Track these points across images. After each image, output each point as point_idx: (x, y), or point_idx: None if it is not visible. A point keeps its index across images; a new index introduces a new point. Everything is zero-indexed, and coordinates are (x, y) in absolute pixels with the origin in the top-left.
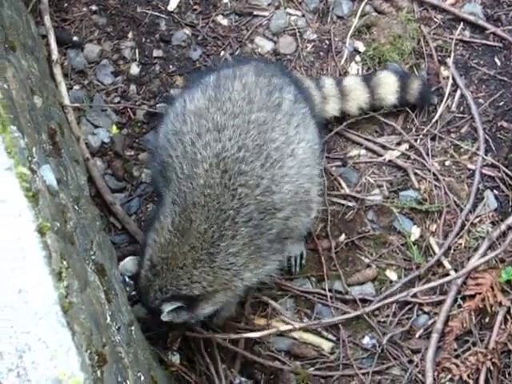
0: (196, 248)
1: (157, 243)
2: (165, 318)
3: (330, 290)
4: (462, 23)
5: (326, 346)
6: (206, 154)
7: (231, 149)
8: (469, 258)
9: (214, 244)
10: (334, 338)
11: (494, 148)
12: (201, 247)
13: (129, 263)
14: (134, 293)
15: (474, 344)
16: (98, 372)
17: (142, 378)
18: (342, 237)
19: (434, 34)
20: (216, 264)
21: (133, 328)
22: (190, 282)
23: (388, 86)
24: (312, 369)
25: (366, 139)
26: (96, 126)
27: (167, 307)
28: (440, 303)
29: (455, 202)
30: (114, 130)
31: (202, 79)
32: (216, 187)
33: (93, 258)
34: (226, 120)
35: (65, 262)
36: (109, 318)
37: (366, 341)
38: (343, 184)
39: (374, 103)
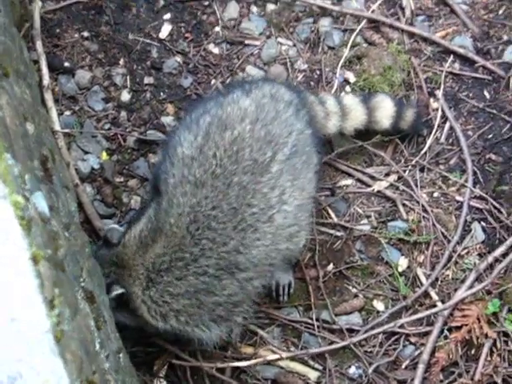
0: (143, 267)
1: (124, 242)
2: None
3: (317, 320)
4: (451, 56)
5: (313, 375)
6: (181, 201)
7: (205, 206)
8: (456, 290)
9: (159, 273)
10: (321, 368)
11: (482, 180)
12: (147, 269)
13: (113, 231)
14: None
15: (460, 375)
16: None
17: None
18: (330, 266)
19: (423, 65)
20: (150, 293)
21: (121, 355)
22: (128, 291)
23: (385, 110)
24: None
25: (355, 169)
26: (86, 152)
27: (115, 290)
28: (426, 334)
29: (443, 233)
30: (104, 156)
31: (200, 114)
32: (182, 230)
33: (82, 285)
34: (207, 178)
35: (56, 290)
36: (98, 346)
37: (353, 371)
38: (332, 214)
39: (368, 125)
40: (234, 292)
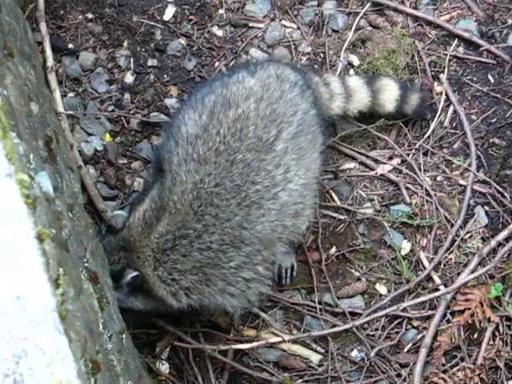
0: (149, 248)
1: (129, 224)
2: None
3: (319, 303)
4: (456, 39)
5: (315, 358)
6: (184, 179)
7: (208, 183)
8: (459, 274)
9: (164, 253)
10: (323, 351)
11: (485, 164)
12: (152, 249)
13: (117, 217)
14: None
15: (462, 359)
16: (92, 380)
17: None
18: (333, 249)
19: (428, 49)
20: (158, 273)
21: (124, 336)
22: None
23: (389, 94)
24: (300, 381)
25: (358, 153)
26: (89, 134)
27: (129, 273)
28: (429, 318)
29: (446, 217)
30: (108, 138)
31: (205, 94)
32: (185, 207)
33: (86, 265)
34: (210, 155)
35: (61, 269)
36: (101, 326)
37: (355, 354)
38: (335, 197)
39: (372, 108)
40: (241, 264)
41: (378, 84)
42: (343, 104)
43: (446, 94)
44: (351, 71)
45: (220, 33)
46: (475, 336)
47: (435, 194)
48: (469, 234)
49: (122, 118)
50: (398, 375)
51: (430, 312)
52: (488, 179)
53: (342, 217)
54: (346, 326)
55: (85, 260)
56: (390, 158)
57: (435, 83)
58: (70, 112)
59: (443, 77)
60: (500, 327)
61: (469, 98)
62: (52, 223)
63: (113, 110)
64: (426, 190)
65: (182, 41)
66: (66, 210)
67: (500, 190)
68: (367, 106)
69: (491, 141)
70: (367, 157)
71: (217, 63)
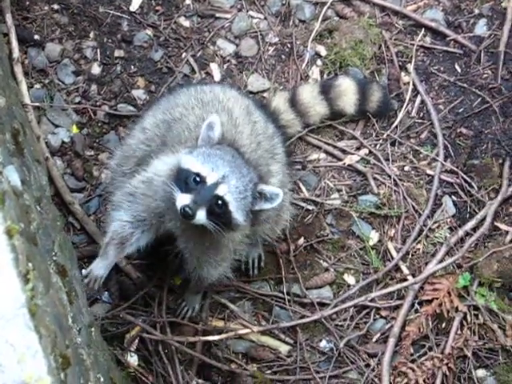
0: None
1: None
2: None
3: (288, 293)
4: (423, 29)
5: (284, 348)
6: None
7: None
8: (426, 264)
9: None
10: (292, 341)
11: (453, 154)
12: None
13: None
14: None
15: (431, 349)
16: (62, 374)
17: (102, 379)
18: (301, 240)
19: (395, 39)
20: None
21: (93, 329)
22: None
23: (347, 99)
24: (269, 372)
25: (326, 143)
26: (56, 126)
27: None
28: (397, 308)
29: (414, 207)
30: (75, 129)
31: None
32: None
33: (54, 258)
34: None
35: (30, 264)
36: (71, 320)
37: (324, 344)
38: (302, 187)
39: (334, 113)
40: None
41: (334, 91)
42: (302, 124)
43: (414, 84)
44: (318, 61)
45: (187, 23)
46: (443, 325)
47: (403, 184)
48: (436, 224)
49: (89, 109)
50: (367, 365)
51: (398, 302)
52: (455, 169)
53: (310, 207)
54: (315, 317)
55: (53, 253)
56: (358, 149)
57: (402, 73)
58: (37, 104)
59: (410, 67)
60: (468, 317)
61: (436, 87)
62: (21, 217)
63: (79, 102)
64: (394, 180)
65: (149, 32)
66: (34, 203)
67: (467, 179)
68: (327, 115)
69: (458, 131)
70: (335, 147)
71: (184, 54)
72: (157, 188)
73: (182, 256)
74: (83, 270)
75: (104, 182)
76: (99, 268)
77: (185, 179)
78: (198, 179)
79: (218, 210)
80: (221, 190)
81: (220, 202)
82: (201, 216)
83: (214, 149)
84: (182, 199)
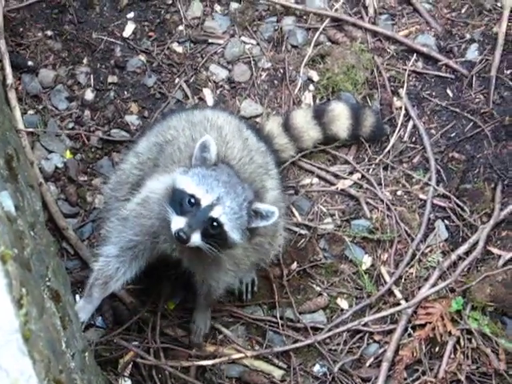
0: None
1: None
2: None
3: (281, 318)
4: (414, 54)
5: (277, 373)
6: None
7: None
8: (419, 288)
9: None
10: (285, 366)
11: (445, 178)
12: None
13: None
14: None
15: (424, 373)
16: None
17: None
18: (294, 265)
19: (387, 64)
20: None
21: (86, 354)
22: None
23: (340, 123)
24: None
25: (318, 168)
26: (50, 151)
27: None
28: (390, 332)
29: (406, 231)
30: (68, 155)
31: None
32: None
33: (48, 284)
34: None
35: (24, 289)
36: (64, 345)
37: (317, 369)
38: (295, 212)
39: (327, 137)
40: None
41: (327, 115)
42: (295, 148)
43: (406, 109)
44: (311, 86)
45: (180, 49)
46: (436, 349)
47: (395, 209)
48: (429, 248)
49: (83, 134)
50: None
51: (392, 326)
52: (448, 193)
53: (302, 232)
54: (308, 341)
55: (47, 279)
56: (351, 173)
57: (394, 98)
58: (31, 129)
59: (402, 91)
60: (461, 340)
61: (428, 112)
62: (14, 243)
63: (73, 127)
64: (387, 205)
65: (142, 57)
66: (28, 228)
67: (460, 203)
68: (320, 140)
69: (450, 155)
70: (327, 172)
71: (177, 79)
72: (152, 206)
73: (177, 278)
74: (77, 296)
75: (98, 207)
76: (83, 312)
77: (180, 200)
78: (192, 201)
79: (213, 232)
80: (215, 212)
81: (215, 223)
82: (195, 239)
83: (210, 170)
84: (177, 223)
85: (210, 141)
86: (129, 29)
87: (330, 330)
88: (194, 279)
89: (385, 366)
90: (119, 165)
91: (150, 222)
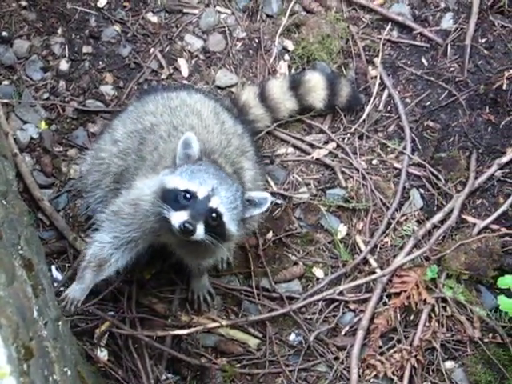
0: None
1: None
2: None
3: (257, 287)
4: (389, 23)
5: (253, 342)
6: None
7: None
8: (394, 256)
9: None
10: (261, 335)
11: (420, 147)
12: None
13: None
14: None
15: (399, 341)
16: (25, 365)
17: (69, 372)
18: (270, 234)
19: (362, 33)
20: None
21: (60, 323)
22: None
23: (316, 95)
24: (239, 365)
25: (294, 137)
26: (25, 122)
27: None
28: (366, 301)
29: (381, 200)
30: (43, 125)
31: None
32: None
33: (20, 252)
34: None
35: None
36: (36, 313)
37: (293, 338)
38: (271, 182)
39: (303, 108)
40: None
41: (303, 87)
42: (271, 119)
43: (381, 78)
44: (286, 56)
45: (155, 19)
46: (411, 318)
47: (371, 178)
48: (404, 217)
49: (58, 105)
50: (336, 358)
51: (367, 295)
52: (423, 162)
53: (278, 201)
54: (284, 310)
55: (19, 247)
56: (326, 143)
57: (369, 67)
58: (5, 100)
59: (377, 61)
60: (436, 309)
61: (403, 81)
62: None
63: (48, 98)
64: (362, 174)
65: (117, 27)
66: (0, 197)
67: (435, 172)
68: (297, 110)
69: (426, 124)
70: (303, 141)
71: (152, 49)
72: (145, 211)
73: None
74: (53, 266)
75: (73, 177)
76: (75, 291)
77: (174, 198)
78: (188, 196)
79: (213, 223)
80: (213, 203)
81: (214, 214)
82: (200, 230)
83: (197, 165)
84: (179, 217)
85: (191, 138)
86: None
87: (305, 299)
88: (183, 261)
89: (360, 334)
90: (96, 150)
91: (149, 225)
